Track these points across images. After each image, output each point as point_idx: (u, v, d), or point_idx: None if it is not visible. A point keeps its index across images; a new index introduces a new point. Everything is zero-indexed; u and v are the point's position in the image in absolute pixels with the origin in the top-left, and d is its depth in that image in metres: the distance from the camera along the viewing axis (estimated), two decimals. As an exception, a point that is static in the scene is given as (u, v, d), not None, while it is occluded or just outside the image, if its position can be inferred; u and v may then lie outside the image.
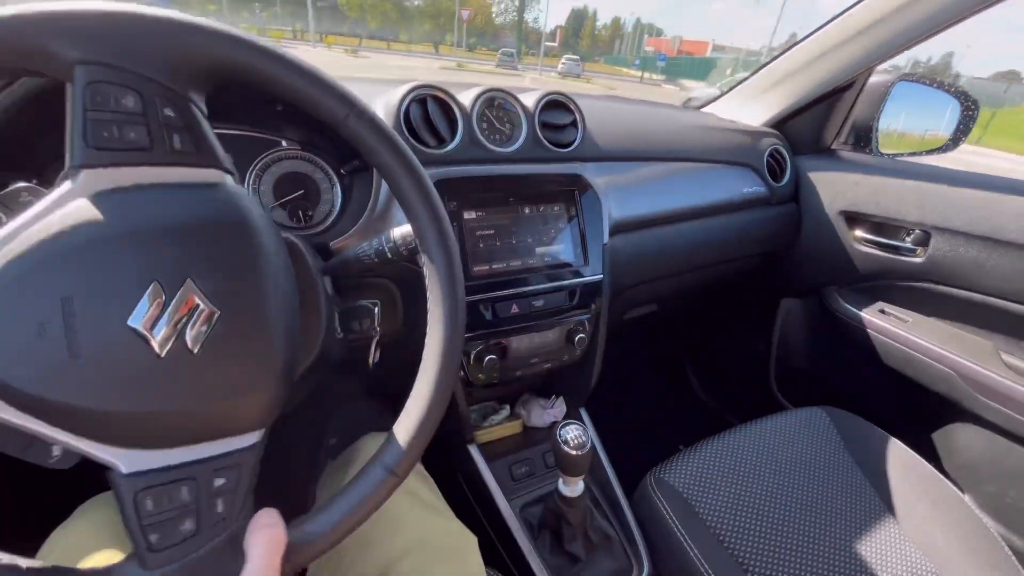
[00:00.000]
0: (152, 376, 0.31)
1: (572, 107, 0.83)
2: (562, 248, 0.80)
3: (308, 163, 0.70)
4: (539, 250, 0.78)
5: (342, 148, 0.68)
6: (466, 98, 0.74)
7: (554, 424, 0.85)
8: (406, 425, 0.41)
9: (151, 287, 0.31)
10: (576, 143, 0.83)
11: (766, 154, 1.13)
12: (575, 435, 0.66)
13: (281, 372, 0.37)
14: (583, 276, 0.81)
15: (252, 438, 0.36)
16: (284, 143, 0.68)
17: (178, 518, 0.32)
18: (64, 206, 0.31)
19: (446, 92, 0.72)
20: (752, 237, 1.14)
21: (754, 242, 1.15)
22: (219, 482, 0.33)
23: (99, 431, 0.31)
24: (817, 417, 0.94)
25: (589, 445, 0.66)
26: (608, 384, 1.04)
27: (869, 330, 1.08)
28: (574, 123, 0.83)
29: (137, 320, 0.30)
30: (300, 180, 0.70)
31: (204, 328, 0.32)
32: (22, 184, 0.47)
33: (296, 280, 0.40)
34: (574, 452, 0.66)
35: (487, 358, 0.77)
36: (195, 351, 0.32)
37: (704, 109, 1.32)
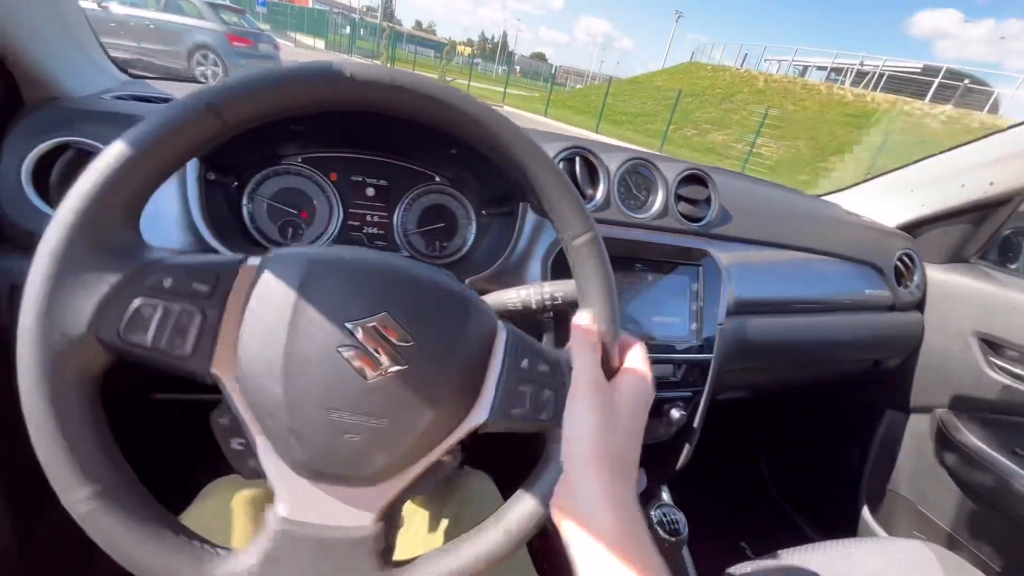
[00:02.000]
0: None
1: (709, 183, 0.83)
2: (677, 321, 0.79)
3: (453, 199, 0.75)
4: (655, 319, 0.77)
5: (491, 190, 0.71)
6: (612, 161, 0.76)
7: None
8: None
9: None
10: (708, 219, 0.82)
11: (895, 257, 1.06)
12: (670, 520, 0.63)
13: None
14: (693, 353, 0.79)
15: None
16: (438, 178, 0.73)
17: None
18: None
19: (594, 153, 0.75)
20: (867, 341, 1.06)
21: (869, 347, 1.08)
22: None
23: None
24: (920, 553, 0.84)
25: (684, 535, 0.63)
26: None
27: (994, 469, 0.96)
28: (707, 199, 0.83)
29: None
30: (443, 213, 0.74)
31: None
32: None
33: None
34: (666, 537, 0.63)
35: None
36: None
37: (828, 198, 1.27)
